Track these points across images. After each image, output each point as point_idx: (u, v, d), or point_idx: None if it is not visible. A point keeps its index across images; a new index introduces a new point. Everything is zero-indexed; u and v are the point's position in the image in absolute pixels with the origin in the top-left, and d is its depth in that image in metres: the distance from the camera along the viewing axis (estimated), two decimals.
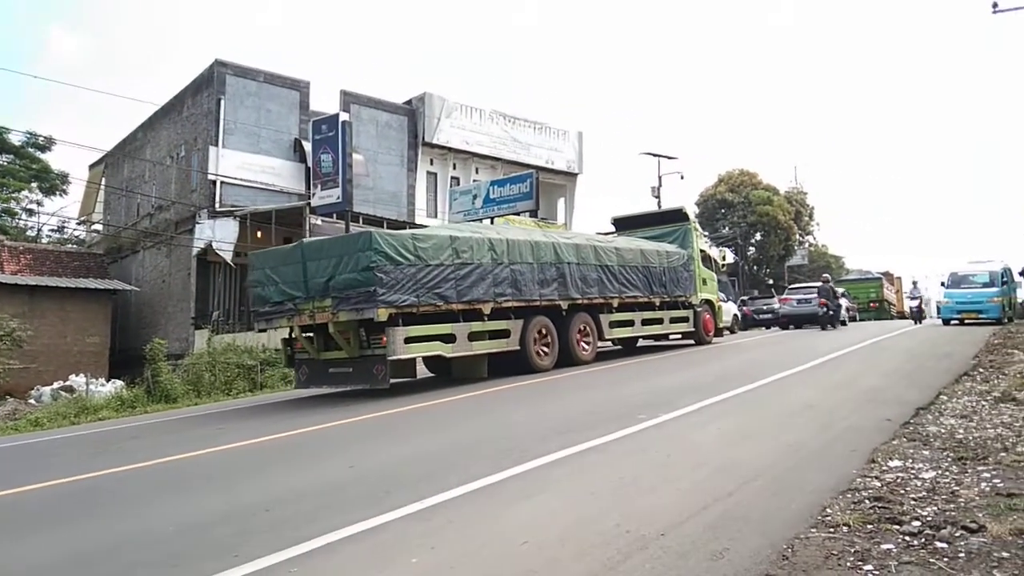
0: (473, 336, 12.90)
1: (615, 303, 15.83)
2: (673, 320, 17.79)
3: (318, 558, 4.17)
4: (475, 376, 13.47)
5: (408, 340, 11.81)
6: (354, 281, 11.46)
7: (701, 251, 19.59)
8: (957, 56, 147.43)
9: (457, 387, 12.51)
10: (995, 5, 24.72)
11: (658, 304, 17.18)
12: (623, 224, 20.41)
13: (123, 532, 5.21)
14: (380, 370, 11.74)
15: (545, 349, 14.14)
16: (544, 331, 14.15)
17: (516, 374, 13.44)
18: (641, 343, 18.99)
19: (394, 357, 11.67)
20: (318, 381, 12.99)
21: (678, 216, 19.91)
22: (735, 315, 25.88)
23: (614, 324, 15.89)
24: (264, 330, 13.83)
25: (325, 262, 11.98)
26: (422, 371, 14.95)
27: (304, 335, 12.67)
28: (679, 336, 19.22)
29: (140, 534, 5.09)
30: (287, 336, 13.43)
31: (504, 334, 13.44)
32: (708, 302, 19.50)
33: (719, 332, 20.63)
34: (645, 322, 16.81)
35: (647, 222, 20.12)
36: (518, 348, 13.61)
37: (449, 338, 12.47)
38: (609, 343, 16.94)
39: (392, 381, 12.32)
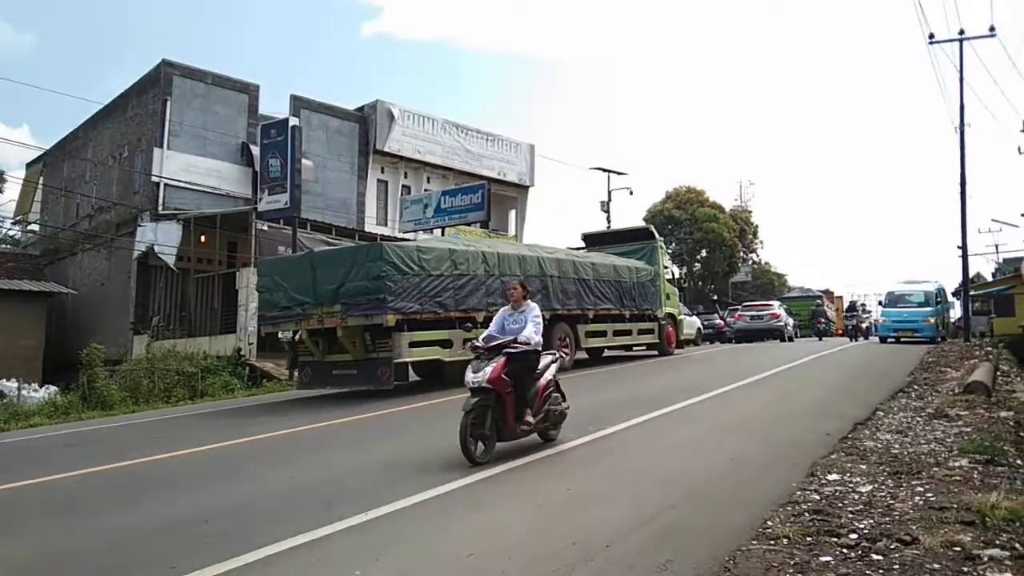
0: (468, 342, 13.19)
1: (591, 314, 16.62)
2: (640, 332, 18.67)
3: (257, 571, 4.08)
4: None
5: (411, 344, 12.45)
6: (364, 288, 12.12)
7: (665, 267, 20.54)
8: (897, 82, 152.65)
9: (420, 394, 12.62)
10: (931, 36, 25.76)
11: (628, 316, 18.05)
12: (593, 240, 21.43)
13: (53, 544, 5.02)
14: (385, 372, 12.32)
15: None
16: None
17: None
18: (607, 353, 19.56)
19: (399, 360, 12.37)
20: (321, 382, 13.49)
21: (645, 234, 21.03)
22: (698, 328, 26.85)
23: (590, 334, 16.74)
24: (270, 333, 14.59)
25: (335, 271, 12.61)
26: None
27: (310, 338, 13.04)
28: (643, 347, 19.92)
29: (72, 546, 4.92)
30: (291, 339, 13.84)
31: None
32: (671, 315, 20.49)
33: (681, 344, 21.59)
34: (616, 333, 17.71)
35: (616, 239, 21.11)
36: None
37: (447, 343, 13.05)
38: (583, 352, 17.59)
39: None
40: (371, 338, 12.57)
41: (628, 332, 18.18)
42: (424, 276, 12.66)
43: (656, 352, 19.75)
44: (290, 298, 13.09)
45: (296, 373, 14.07)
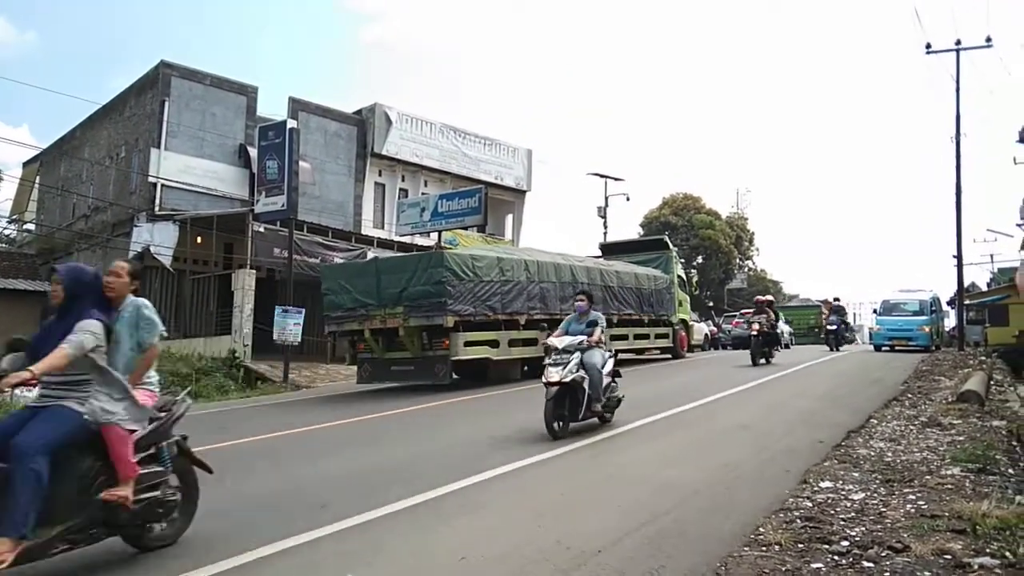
0: (512, 343, 14.69)
1: (615, 319, 17.38)
2: (657, 336, 19.79)
3: (251, 572, 4.09)
4: (511, 379, 14.95)
5: (466, 344, 13.55)
6: (426, 292, 13.20)
7: (679, 276, 21.66)
8: (893, 90, 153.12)
9: (429, 395, 12.78)
10: (928, 46, 25.85)
11: (646, 321, 19.08)
12: (610, 249, 22.84)
13: None
14: (441, 369, 13.42)
15: None
16: None
17: (539, 377, 14.46)
18: (620, 356, 19.82)
19: (456, 357, 13.39)
20: (380, 377, 14.51)
21: (660, 244, 22.45)
22: (706, 334, 27.32)
23: (613, 338, 17.51)
24: (334, 332, 15.69)
25: (398, 276, 13.75)
26: None
27: (371, 337, 14.08)
28: (657, 351, 20.72)
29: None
30: (351, 337, 15.01)
31: (533, 342, 14.93)
32: (683, 321, 21.65)
33: (691, 348, 22.65)
34: (636, 337, 18.71)
35: (632, 248, 22.58)
36: (543, 355, 14.56)
37: (494, 344, 14.26)
38: None
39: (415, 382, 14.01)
40: (428, 337, 13.57)
41: (646, 336, 19.24)
42: (477, 282, 13.79)
43: (670, 356, 20.74)
44: (354, 300, 14.14)
45: (356, 369, 15.09)
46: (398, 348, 13.86)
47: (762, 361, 17.00)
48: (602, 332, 8.66)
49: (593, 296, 9.66)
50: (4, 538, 3.64)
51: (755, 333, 17.41)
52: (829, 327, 24.40)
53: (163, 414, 4.61)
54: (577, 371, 7.95)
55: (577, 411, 8.02)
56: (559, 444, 7.33)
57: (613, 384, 8.73)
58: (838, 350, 23.08)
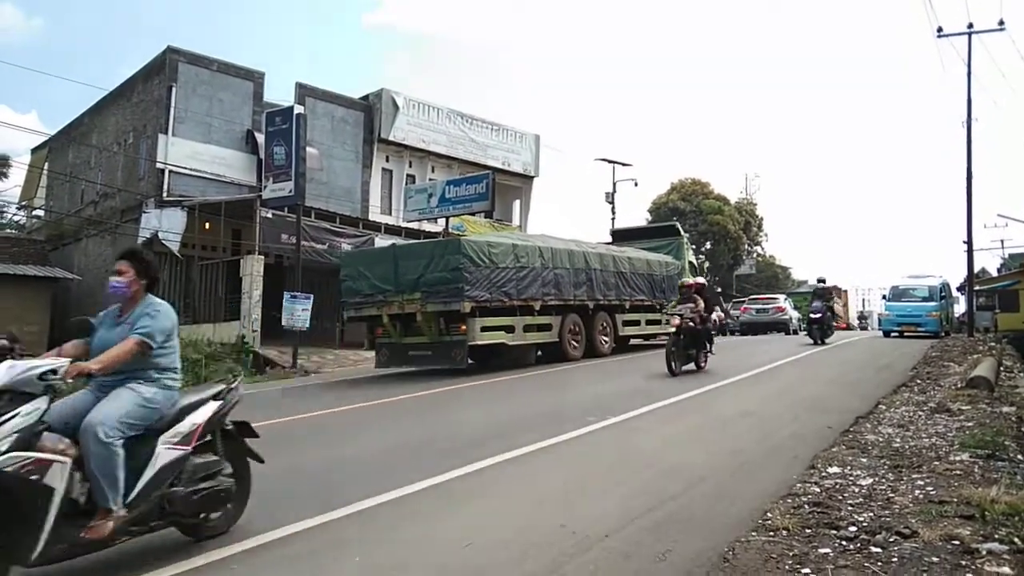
0: (527, 328, 14.99)
1: (627, 305, 17.94)
2: (668, 322, 19.28)
3: (259, 555, 4.11)
4: (525, 363, 15.32)
5: (483, 329, 13.82)
6: (444, 279, 13.48)
7: (689, 262, 21.76)
8: (904, 75, 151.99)
9: (443, 379, 12.93)
10: (940, 30, 25.57)
11: (658, 307, 19.14)
12: (621, 236, 23.02)
13: None
14: (458, 353, 13.74)
15: (576, 342, 16.10)
16: (576, 327, 16.15)
17: (553, 362, 15.23)
18: (632, 341, 20.10)
19: (473, 343, 13.65)
20: (398, 362, 14.90)
21: (671, 231, 22.74)
22: (713, 320, 27.26)
23: (626, 323, 18.04)
24: (352, 318, 15.99)
25: (415, 262, 14.08)
26: None
27: (389, 322, 14.38)
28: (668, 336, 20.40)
29: None
30: (369, 323, 15.50)
31: (547, 328, 15.47)
32: None
33: None
34: (648, 322, 18.96)
35: (643, 235, 22.80)
36: (557, 340, 15.61)
37: (510, 329, 14.53)
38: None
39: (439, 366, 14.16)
40: (445, 323, 13.84)
41: (658, 322, 19.30)
42: (493, 268, 14.04)
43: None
44: (372, 286, 14.52)
45: (374, 354, 15.42)
46: (416, 333, 14.17)
47: (689, 366, 12.75)
48: (144, 341, 4.03)
49: (151, 264, 4.39)
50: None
51: (675, 329, 12.77)
52: (812, 315, 19.60)
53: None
54: (26, 447, 3.42)
55: (31, 539, 3.36)
56: (567, 430, 7.28)
57: (208, 461, 4.29)
58: (823, 342, 19.10)
